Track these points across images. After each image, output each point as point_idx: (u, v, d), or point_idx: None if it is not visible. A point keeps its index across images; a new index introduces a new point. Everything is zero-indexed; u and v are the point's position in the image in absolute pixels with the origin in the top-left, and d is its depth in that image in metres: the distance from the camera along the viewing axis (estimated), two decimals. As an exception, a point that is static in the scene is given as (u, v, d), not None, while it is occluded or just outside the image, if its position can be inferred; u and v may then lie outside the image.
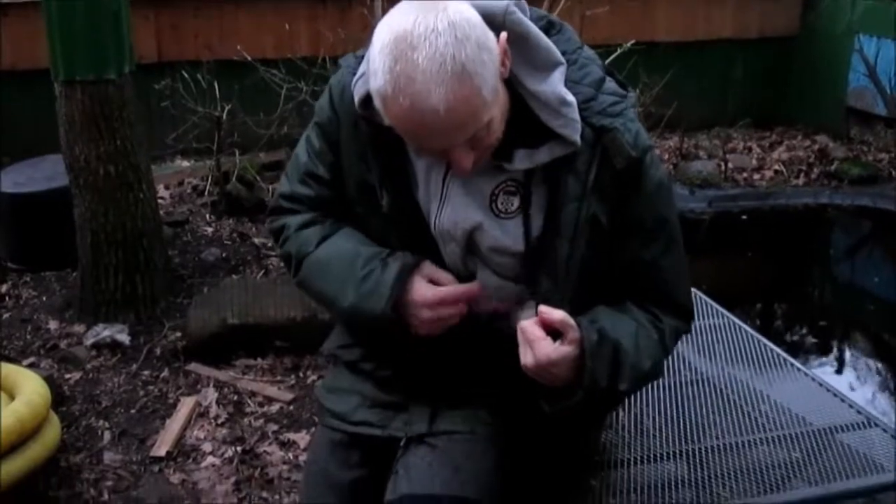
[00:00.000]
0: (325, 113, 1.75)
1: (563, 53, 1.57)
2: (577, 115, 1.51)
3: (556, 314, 1.53)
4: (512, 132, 1.54)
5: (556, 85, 1.51)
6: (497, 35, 1.44)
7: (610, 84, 1.60)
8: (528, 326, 1.53)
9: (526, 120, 1.53)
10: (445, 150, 1.47)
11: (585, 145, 1.53)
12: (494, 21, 1.46)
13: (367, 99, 1.54)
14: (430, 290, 1.64)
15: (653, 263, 1.67)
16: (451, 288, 1.65)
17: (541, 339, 1.52)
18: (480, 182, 1.62)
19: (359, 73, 1.58)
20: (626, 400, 2.37)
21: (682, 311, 1.76)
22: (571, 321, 1.54)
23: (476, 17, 1.41)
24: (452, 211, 1.64)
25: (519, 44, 1.50)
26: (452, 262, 1.70)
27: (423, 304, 1.63)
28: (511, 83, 1.52)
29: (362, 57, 1.59)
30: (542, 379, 1.56)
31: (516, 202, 1.61)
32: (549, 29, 1.60)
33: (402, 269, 1.64)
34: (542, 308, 1.54)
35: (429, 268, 1.68)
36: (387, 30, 1.40)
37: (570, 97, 1.51)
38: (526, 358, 1.54)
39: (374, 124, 1.59)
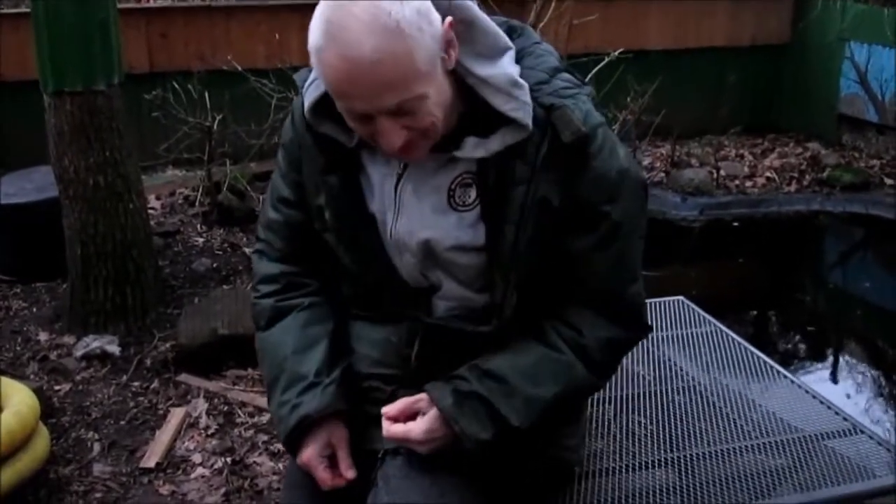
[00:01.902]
0: (288, 133, 1.76)
1: (521, 49, 1.57)
2: (528, 99, 1.49)
3: (394, 408, 1.61)
4: (464, 123, 1.53)
5: (506, 67, 1.50)
6: (443, 20, 1.43)
7: (565, 74, 1.58)
8: (391, 432, 1.60)
9: (477, 110, 1.51)
10: (373, 122, 1.44)
11: (535, 127, 1.51)
12: (440, 6, 1.44)
13: (318, 105, 1.55)
14: (308, 454, 1.69)
15: (585, 255, 1.60)
16: (320, 470, 1.69)
17: (408, 430, 1.59)
18: (434, 183, 1.60)
19: (311, 79, 1.58)
20: (614, 408, 2.37)
21: (620, 317, 1.68)
22: (412, 398, 1.62)
23: None
24: (407, 219, 1.63)
25: (466, 30, 1.48)
26: (409, 274, 1.69)
27: (301, 457, 1.70)
28: (460, 74, 1.50)
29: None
30: (440, 443, 1.61)
31: (473, 193, 1.59)
32: (510, 33, 1.59)
33: (302, 420, 1.68)
34: (384, 410, 1.61)
35: (335, 430, 1.71)
36: None
37: (522, 80, 1.50)
38: (418, 450, 1.61)
39: (322, 135, 1.60)
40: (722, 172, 7.62)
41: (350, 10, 1.35)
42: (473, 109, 1.52)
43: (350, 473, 1.69)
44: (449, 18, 1.44)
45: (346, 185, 1.65)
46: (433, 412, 1.60)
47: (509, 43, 1.53)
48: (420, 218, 1.62)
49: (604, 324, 1.66)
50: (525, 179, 1.53)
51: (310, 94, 1.57)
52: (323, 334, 1.77)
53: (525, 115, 1.49)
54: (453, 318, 1.71)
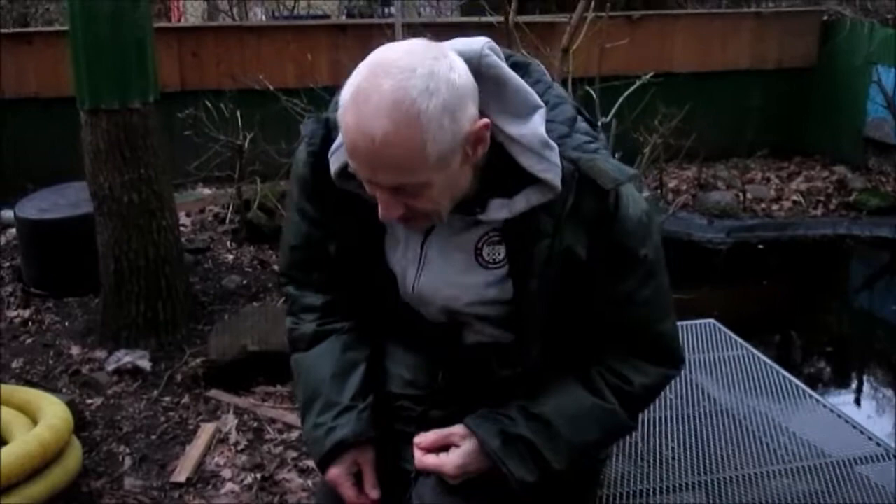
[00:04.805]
0: (303, 179, 1.72)
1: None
2: (558, 160, 1.48)
3: (427, 439, 1.64)
4: (488, 179, 1.52)
5: (537, 128, 1.48)
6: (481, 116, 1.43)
7: (582, 124, 1.58)
8: (424, 463, 1.63)
9: (502, 167, 1.50)
10: (372, 186, 1.45)
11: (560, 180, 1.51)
12: (470, 64, 1.43)
13: (343, 171, 1.53)
14: (336, 472, 1.72)
15: (626, 298, 1.62)
16: (346, 487, 1.72)
17: (442, 462, 1.62)
18: (460, 242, 1.61)
19: (335, 146, 1.56)
20: (642, 431, 2.38)
21: (661, 355, 1.71)
22: (445, 431, 1.64)
23: (464, 85, 1.40)
24: (431, 276, 1.65)
25: (495, 88, 1.47)
26: (433, 317, 1.72)
27: (329, 475, 1.73)
28: (490, 133, 1.48)
29: (324, 122, 1.60)
30: (473, 475, 1.63)
31: (502, 251, 1.59)
32: (514, 69, 1.55)
33: (338, 444, 1.71)
34: (416, 441, 1.64)
35: (363, 452, 1.73)
36: (380, 50, 1.42)
37: (552, 142, 1.49)
38: (451, 481, 1.63)
39: (350, 193, 1.58)
40: (748, 195, 7.61)
41: (380, 84, 1.35)
42: (499, 166, 1.50)
43: (374, 493, 1.72)
44: (485, 120, 1.43)
45: (367, 241, 1.66)
46: (466, 447, 1.61)
47: (539, 102, 1.51)
48: (445, 277, 1.64)
49: (648, 369, 1.69)
50: (549, 233, 1.53)
51: (333, 164, 1.56)
52: (361, 359, 1.79)
53: (555, 176, 1.47)
54: (482, 349, 1.72)
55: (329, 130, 1.58)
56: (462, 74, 1.40)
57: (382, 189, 1.43)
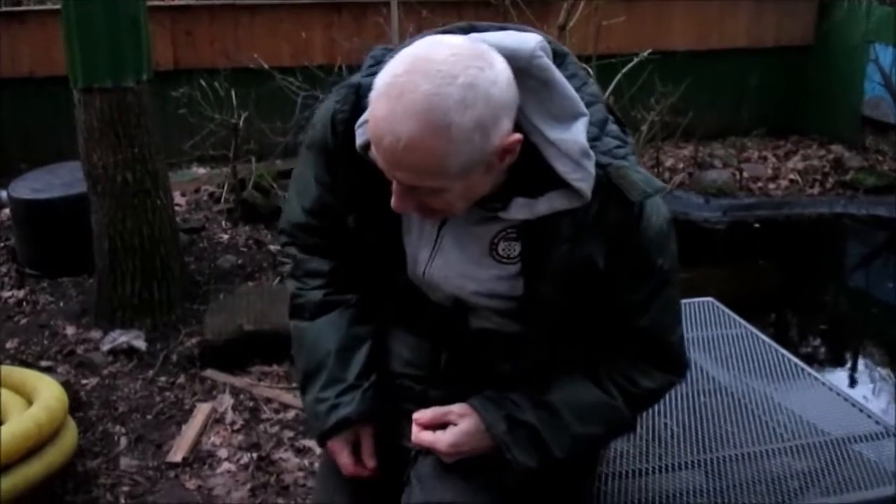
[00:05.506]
0: (324, 141, 1.68)
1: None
2: (593, 169, 1.44)
3: (426, 416, 1.63)
4: (514, 177, 1.49)
5: (578, 136, 1.44)
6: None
7: (612, 127, 1.54)
8: (419, 439, 1.63)
9: (531, 169, 1.47)
10: (389, 176, 1.43)
11: None
12: (519, 63, 1.40)
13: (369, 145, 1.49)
14: (333, 441, 1.74)
15: (640, 306, 1.62)
16: (344, 455, 1.74)
17: (436, 438, 1.61)
18: (477, 232, 1.59)
19: (363, 119, 1.51)
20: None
21: (669, 362, 1.73)
22: (444, 409, 1.63)
23: (502, 100, 1.36)
24: (444, 263, 1.63)
25: (541, 89, 1.44)
26: (439, 300, 1.71)
27: (331, 446, 1.76)
28: (526, 130, 1.45)
29: (355, 88, 1.55)
30: (466, 455, 1.63)
31: (517, 248, 1.58)
32: (553, 58, 1.51)
33: (342, 422, 1.72)
34: (415, 416, 1.64)
35: (364, 431, 1.75)
36: (427, 43, 1.38)
37: (591, 151, 1.45)
38: (444, 459, 1.64)
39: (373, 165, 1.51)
40: (745, 174, 7.60)
41: (417, 84, 1.32)
42: (528, 166, 1.47)
43: (371, 463, 1.73)
44: (517, 135, 1.40)
45: (384, 215, 1.61)
46: (462, 426, 1.61)
47: (584, 110, 1.47)
48: (458, 265, 1.63)
49: (654, 374, 1.71)
50: (570, 238, 1.51)
51: (360, 137, 1.52)
52: (366, 336, 1.78)
53: (588, 186, 1.45)
54: (487, 335, 1.72)
55: (360, 97, 1.53)
56: (504, 88, 1.37)
57: (399, 183, 1.42)
